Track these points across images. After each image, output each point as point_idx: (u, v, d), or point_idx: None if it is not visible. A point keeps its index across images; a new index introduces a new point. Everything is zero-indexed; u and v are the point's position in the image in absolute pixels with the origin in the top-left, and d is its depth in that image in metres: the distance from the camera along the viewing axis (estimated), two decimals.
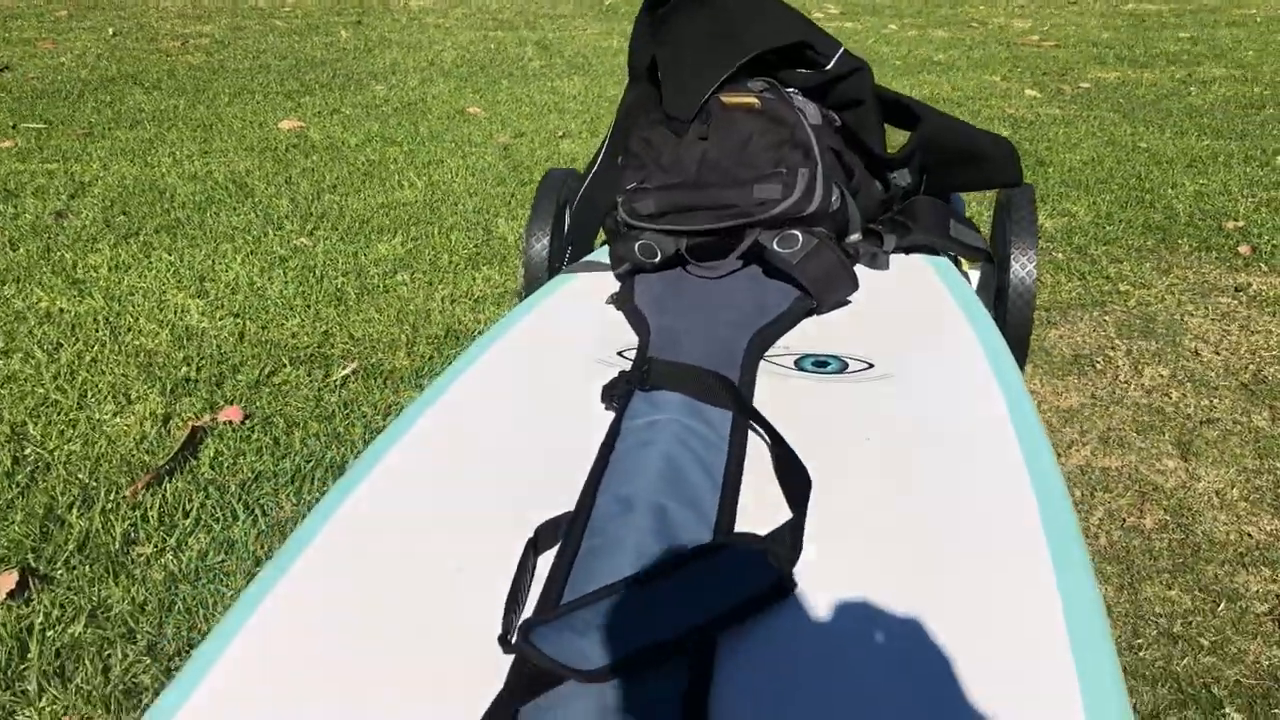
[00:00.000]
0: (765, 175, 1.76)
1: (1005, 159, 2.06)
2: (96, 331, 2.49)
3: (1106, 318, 2.75)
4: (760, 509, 1.15)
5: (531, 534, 1.03)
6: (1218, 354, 2.53)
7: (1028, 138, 4.43)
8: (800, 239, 1.75)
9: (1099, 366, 2.49)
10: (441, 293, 2.76)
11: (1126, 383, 2.40)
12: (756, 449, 1.27)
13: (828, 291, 1.69)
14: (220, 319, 2.58)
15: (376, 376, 2.32)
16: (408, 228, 3.23)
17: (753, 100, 1.82)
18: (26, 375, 2.28)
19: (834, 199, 1.79)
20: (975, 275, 2.09)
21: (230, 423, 2.09)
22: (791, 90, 1.94)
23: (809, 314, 1.68)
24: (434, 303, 2.71)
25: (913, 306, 1.72)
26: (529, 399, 1.35)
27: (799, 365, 1.59)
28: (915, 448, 1.27)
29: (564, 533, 1.09)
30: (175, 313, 2.61)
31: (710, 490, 1.25)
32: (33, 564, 1.67)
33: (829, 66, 1.87)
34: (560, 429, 1.28)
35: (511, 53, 6.42)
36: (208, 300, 2.69)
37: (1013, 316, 2.11)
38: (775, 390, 1.46)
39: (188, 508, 1.81)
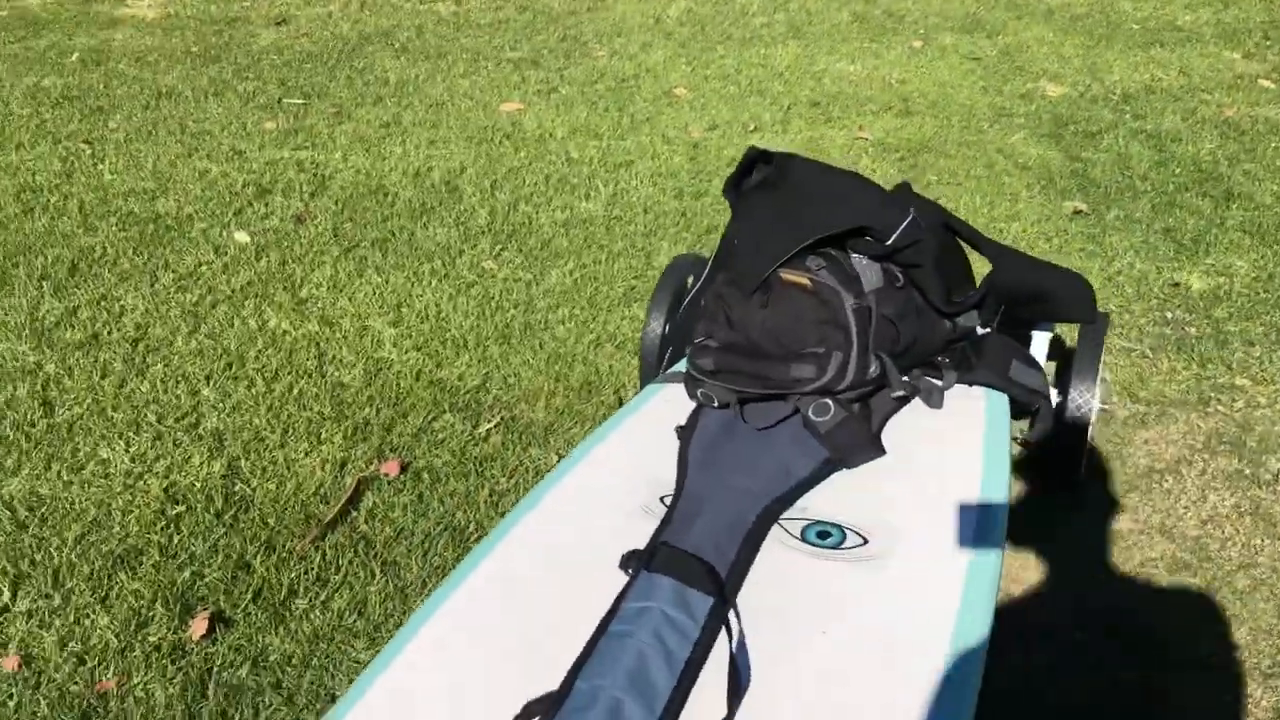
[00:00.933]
0: (803, 355, 2.06)
1: (1078, 298, 2.28)
2: (307, 360, 3.07)
3: (1203, 422, 2.87)
4: (719, 695, 1.50)
5: (520, 709, 1.49)
6: None
7: (1228, 155, 4.34)
8: (832, 409, 2.06)
9: (1166, 486, 2.66)
10: (590, 335, 3.18)
11: (1186, 509, 2.57)
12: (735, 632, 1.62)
13: (851, 456, 2.01)
14: (406, 352, 3.10)
15: (514, 431, 2.79)
16: (580, 252, 3.66)
17: (805, 280, 2.11)
18: (247, 405, 2.88)
19: (872, 370, 2.05)
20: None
21: (388, 476, 2.62)
22: (858, 256, 2.19)
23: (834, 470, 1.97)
24: (581, 346, 3.14)
25: (937, 460, 2.02)
26: (574, 552, 1.78)
27: (804, 535, 1.92)
28: (860, 647, 1.61)
29: (545, 712, 1.53)
30: (372, 342, 3.16)
31: (667, 682, 1.66)
32: (221, 607, 2.25)
33: (889, 242, 2.12)
34: (582, 595, 1.71)
35: (737, 6, 6.59)
36: (400, 329, 3.22)
37: (1061, 452, 2.33)
38: (773, 564, 1.81)
39: (340, 563, 2.35)
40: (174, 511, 2.47)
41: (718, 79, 5.27)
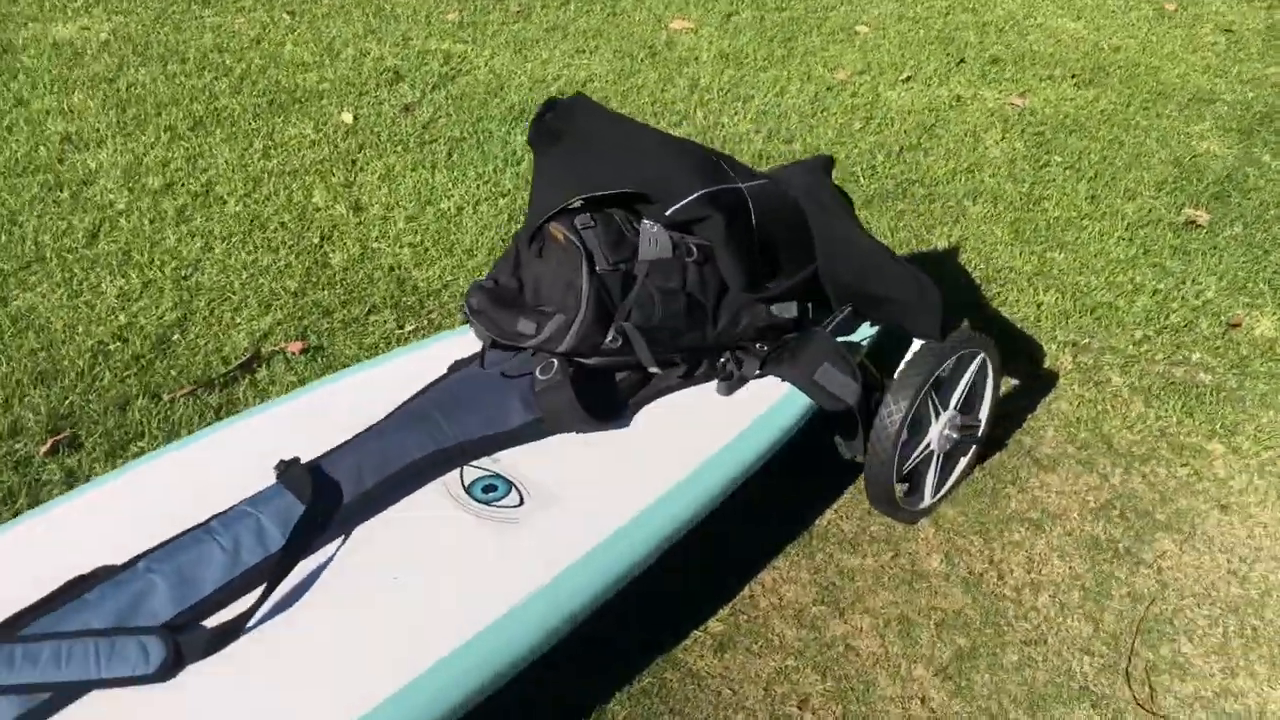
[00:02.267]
0: (532, 311, 2.11)
1: (921, 308, 2.17)
2: (314, 238, 3.37)
3: (1123, 481, 2.57)
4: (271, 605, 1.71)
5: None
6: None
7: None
8: (553, 371, 2.11)
9: (1014, 537, 2.43)
10: None
11: (1013, 568, 2.36)
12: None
13: (556, 422, 2.06)
14: (401, 247, 3.33)
15: (431, 333, 2.95)
16: None
17: (561, 237, 2.14)
18: (237, 268, 3.22)
19: (610, 340, 2.07)
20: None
21: (289, 354, 2.88)
22: (649, 222, 2.18)
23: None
24: None
25: (670, 447, 2.05)
26: (270, 457, 1.95)
27: (471, 484, 2.02)
28: (402, 605, 1.74)
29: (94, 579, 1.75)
30: (378, 233, 3.41)
31: (215, 581, 1.85)
32: (79, 434, 2.62)
33: (667, 213, 2.10)
34: (230, 497, 1.89)
35: None
36: (410, 225, 3.44)
37: (869, 469, 2.22)
38: (412, 504, 1.93)
39: (194, 421, 2.65)
40: (112, 346, 2.85)
41: (913, 20, 4.97)
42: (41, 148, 3.76)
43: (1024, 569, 2.30)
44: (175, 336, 2.91)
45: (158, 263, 3.19)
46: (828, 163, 2.50)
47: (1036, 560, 2.32)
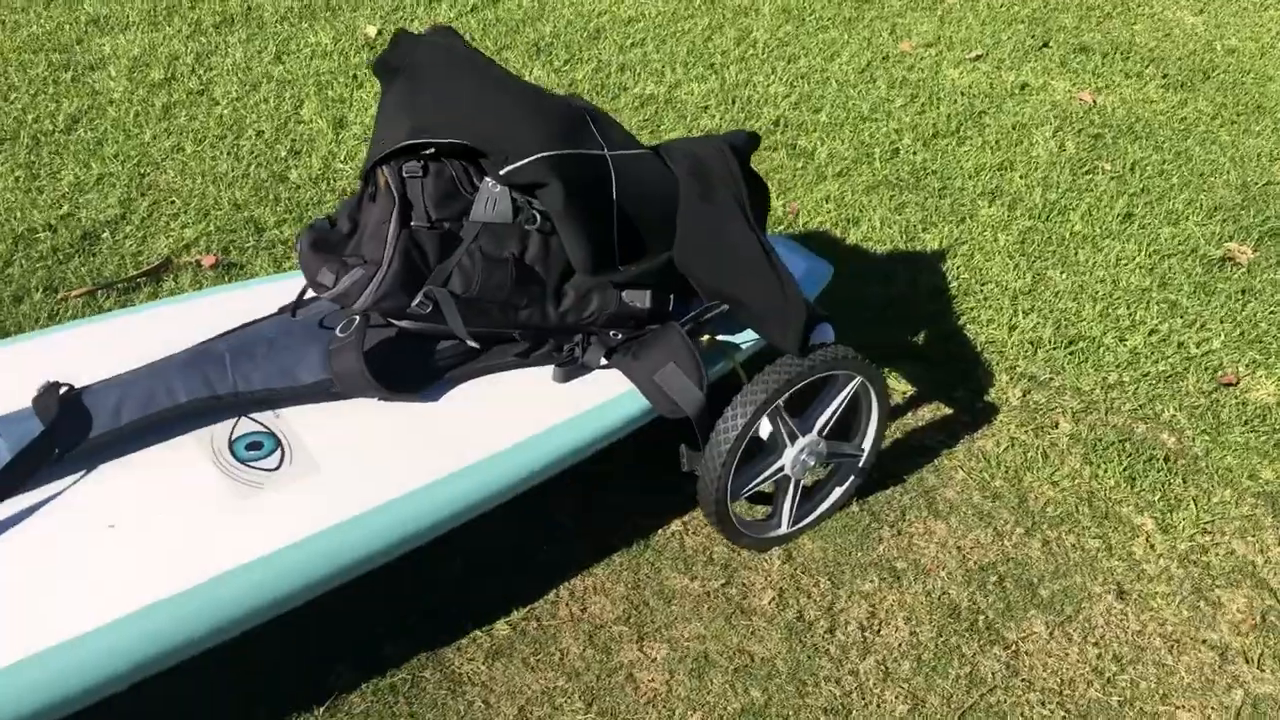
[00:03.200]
0: (339, 261, 1.98)
1: (776, 320, 1.96)
2: (282, 151, 3.29)
3: (1012, 544, 2.29)
4: None
5: None
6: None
7: None
8: (351, 329, 1.97)
9: (865, 588, 2.19)
10: None
11: (848, 622, 2.12)
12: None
13: (345, 386, 1.94)
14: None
15: None
16: None
17: (384, 183, 1.99)
18: (199, 172, 3.17)
19: (417, 304, 1.93)
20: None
21: (200, 266, 2.82)
22: (491, 181, 2.02)
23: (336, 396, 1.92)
24: None
25: (472, 429, 1.92)
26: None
27: (237, 438, 1.93)
28: (110, 553, 1.66)
29: None
30: (347, 153, 3.30)
31: None
32: None
33: (501, 173, 1.94)
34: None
35: None
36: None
37: (700, 486, 2.05)
38: (166, 448, 1.84)
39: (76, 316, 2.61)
40: (40, 235, 2.84)
41: None
42: (67, 26, 3.77)
43: (861, 625, 2.05)
44: (105, 235, 2.87)
45: (122, 156, 3.16)
46: (747, 142, 2.24)
47: (880, 617, 2.07)
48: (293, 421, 1.93)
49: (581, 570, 2.12)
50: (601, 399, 2.04)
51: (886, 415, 2.19)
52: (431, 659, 1.96)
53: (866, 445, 2.22)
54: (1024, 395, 2.58)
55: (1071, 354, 2.70)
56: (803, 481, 2.17)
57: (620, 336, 2.07)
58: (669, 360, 2.03)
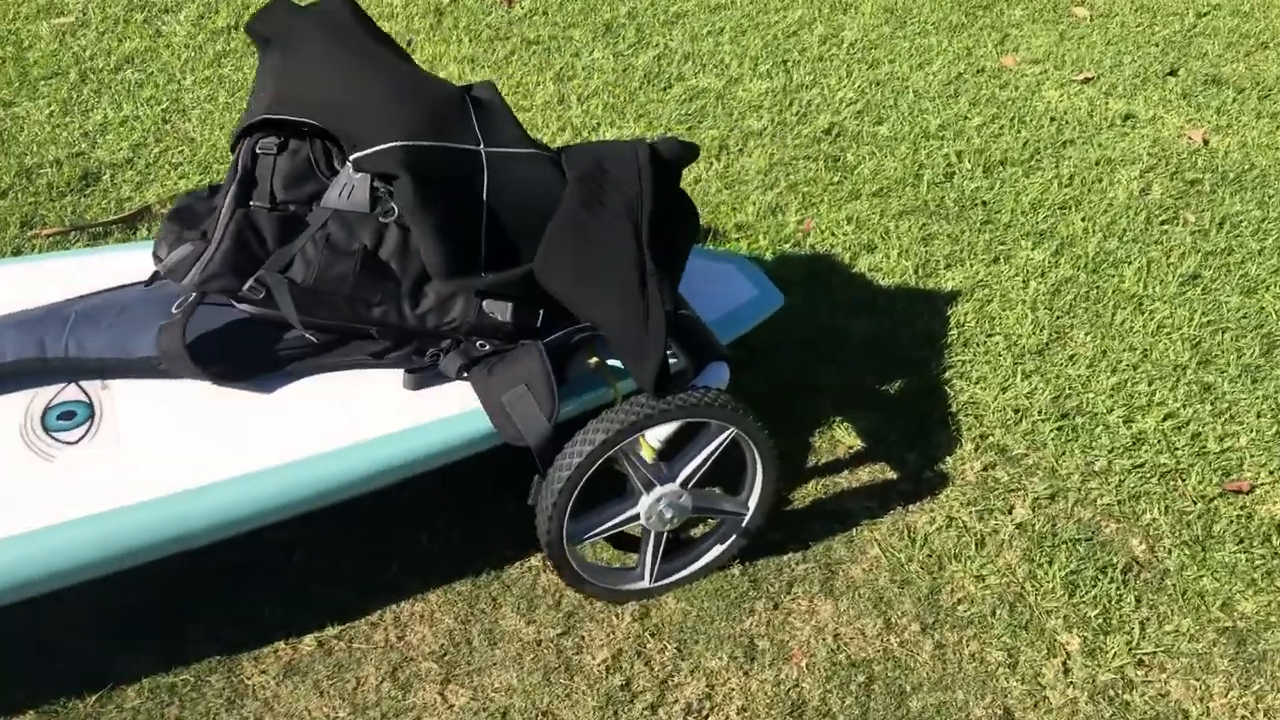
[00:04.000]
0: (178, 234, 1.93)
1: (631, 355, 1.80)
2: None
3: (919, 654, 2.04)
4: None
5: None
6: None
7: None
8: (176, 304, 1.92)
9: (727, 658, 1.98)
10: None
11: (687, 694, 1.93)
12: None
13: (170, 365, 1.89)
14: None
15: None
16: (624, 120, 3.30)
17: (242, 152, 1.92)
18: (216, 119, 3.18)
19: (248, 288, 1.86)
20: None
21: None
22: (353, 167, 1.93)
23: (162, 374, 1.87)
24: None
25: (301, 419, 1.84)
26: None
27: (52, 405, 1.92)
28: None
29: None
30: None
31: None
32: None
33: (352, 159, 1.85)
34: None
35: None
36: None
37: (539, 508, 1.91)
38: None
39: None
40: (44, 170, 2.91)
41: (1156, 12, 4.08)
42: None
43: (689, 706, 1.84)
44: (105, 176, 2.90)
45: (155, 100, 3.19)
46: (679, 152, 2.03)
47: (714, 701, 1.86)
48: (118, 395, 1.86)
49: (417, 594, 1.98)
50: (445, 414, 1.90)
51: (774, 475, 1.95)
52: (225, 664, 1.87)
53: (751, 505, 1.99)
54: (985, 470, 2.27)
55: (1061, 429, 2.37)
56: (674, 533, 1.96)
57: (487, 348, 1.91)
58: (522, 382, 1.86)
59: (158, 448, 1.77)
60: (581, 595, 1.98)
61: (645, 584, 2.02)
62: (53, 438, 1.79)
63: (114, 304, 1.96)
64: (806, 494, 2.20)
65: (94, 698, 1.81)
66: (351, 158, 1.84)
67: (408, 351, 1.96)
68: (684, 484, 1.91)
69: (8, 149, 2.95)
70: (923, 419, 2.37)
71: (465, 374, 1.91)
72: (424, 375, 1.93)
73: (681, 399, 1.80)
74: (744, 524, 2.03)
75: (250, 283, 1.83)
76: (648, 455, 1.93)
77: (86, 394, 1.86)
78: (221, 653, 1.88)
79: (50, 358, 1.85)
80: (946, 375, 2.48)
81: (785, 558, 2.09)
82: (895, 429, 2.35)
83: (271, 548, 2.02)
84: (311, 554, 2.04)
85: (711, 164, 3.10)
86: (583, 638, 1.94)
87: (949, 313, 2.64)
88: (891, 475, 2.25)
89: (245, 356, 1.90)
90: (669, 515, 1.91)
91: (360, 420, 1.86)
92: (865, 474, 2.26)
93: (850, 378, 2.46)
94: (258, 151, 1.88)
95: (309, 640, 1.91)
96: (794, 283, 2.72)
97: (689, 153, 2.08)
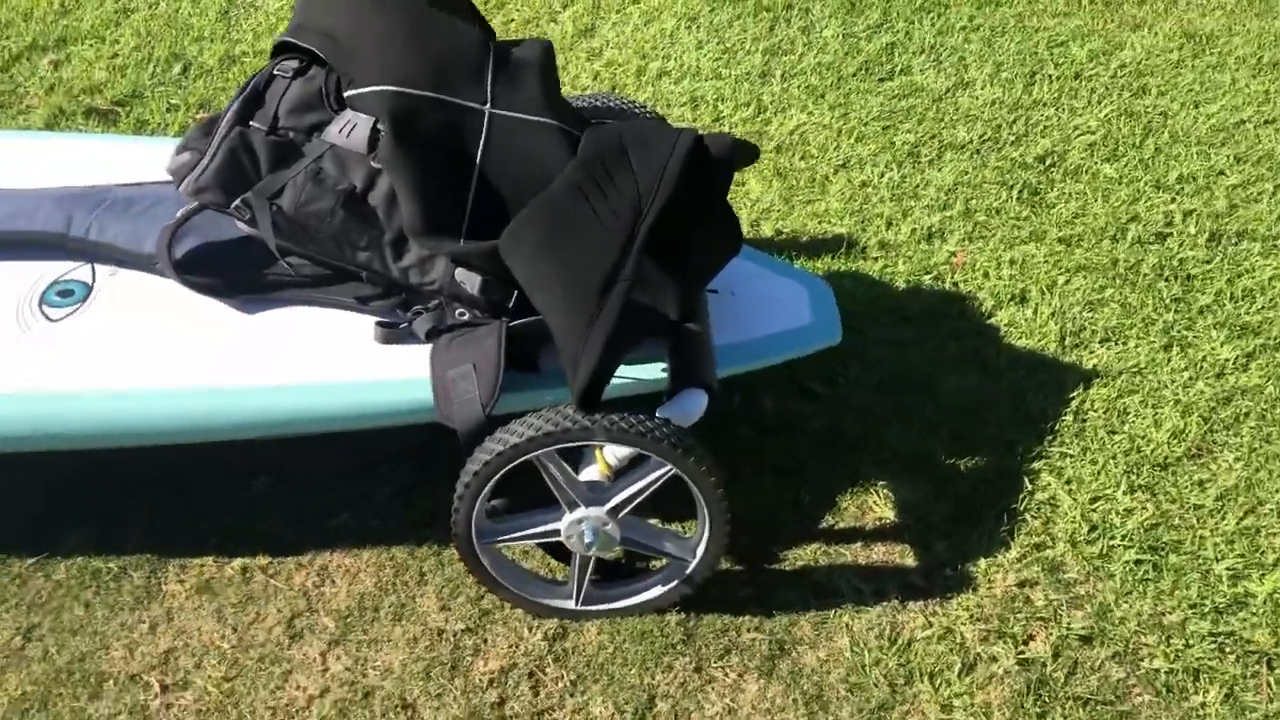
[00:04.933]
0: (195, 140, 2.00)
1: (571, 360, 1.72)
2: None
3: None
4: None
5: None
6: None
7: None
8: (186, 209, 2.01)
9: None
10: None
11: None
12: None
13: (159, 263, 1.98)
14: None
15: None
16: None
17: (261, 72, 1.97)
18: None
19: (235, 206, 1.92)
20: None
21: None
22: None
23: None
24: None
25: (266, 347, 1.85)
26: None
27: (59, 280, 2.09)
28: None
29: None
30: None
31: None
32: None
33: (345, 95, 1.86)
34: None
35: None
36: None
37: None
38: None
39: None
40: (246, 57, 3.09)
41: None
42: None
43: None
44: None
45: None
46: (731, 150, 1.85)
47: None
48: (120, 286, 1.93)
49: (354, 548, 1.96)
50: (401, 375, 1.82)
51: (721, 529, 1.74)
52: (151, 565, 1.94)
53: (696, 553, 1.79)
54: (1021, 585, 1.93)
55: (1140, 564, 1.97)
56: (607, 559, 1.82)
57: (466, 317, 1.82)
58: (471, 362, 1.76)
59: (120, 343, 1.82)
60: (498, 599, 1.85)
61: (571, 605, 1.86)
62: (41, 310, 1.87)
63: (147, 197, 2.01)
64: (800, 556, 1.96)
65: (31, 560, 1.90)
66: (345, 94, 1.77)
67: (393, 303, 1.89)
68: (612, 512, 1.73)
69: (228, 33, 3.11)
70: (977, 507, 2.04)
71: (432, 339, 1.82)
72: (395, 331, 1.85)
73: (611, 420, 1.63)
74: (687, 572, 1.83)
75: (237, 202, 1.82)
76: (601, 471, 1.77)
77: (94, 277, 1.92)
78: (153, 553, 1.92)
79: (71, 235, 1.93)
80: (1034, 465, 2.11)
81: (740, 619, 1.86)
82: (939, 510, 2.03)
83: (239, 468, 2.05)
84: (276, 483, 2.04)
85: (886, 172, 2.80)
86: (485, 641, 1.82)
87: (1075, 394, 2.25)
88: (906, 561, 1.96)
89: (236, 274, 1.90)
90: (589, 540, 1.75)
91: (320, 362, 1.82)
92: (878, 552, 1.98)
93: (919, 440, 2.16)
94: (274, 73, 1.86)
95: (235, 565, 1.92)
96: (909, 318, 2.42)
97: (742, 154, 1.87)
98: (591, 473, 1.81)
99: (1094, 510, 2.05)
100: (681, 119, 2.99)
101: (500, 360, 1.72)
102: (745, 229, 2.64)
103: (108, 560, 1.91)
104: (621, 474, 1.74)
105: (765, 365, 2.00)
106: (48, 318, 1.86)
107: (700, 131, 1.76)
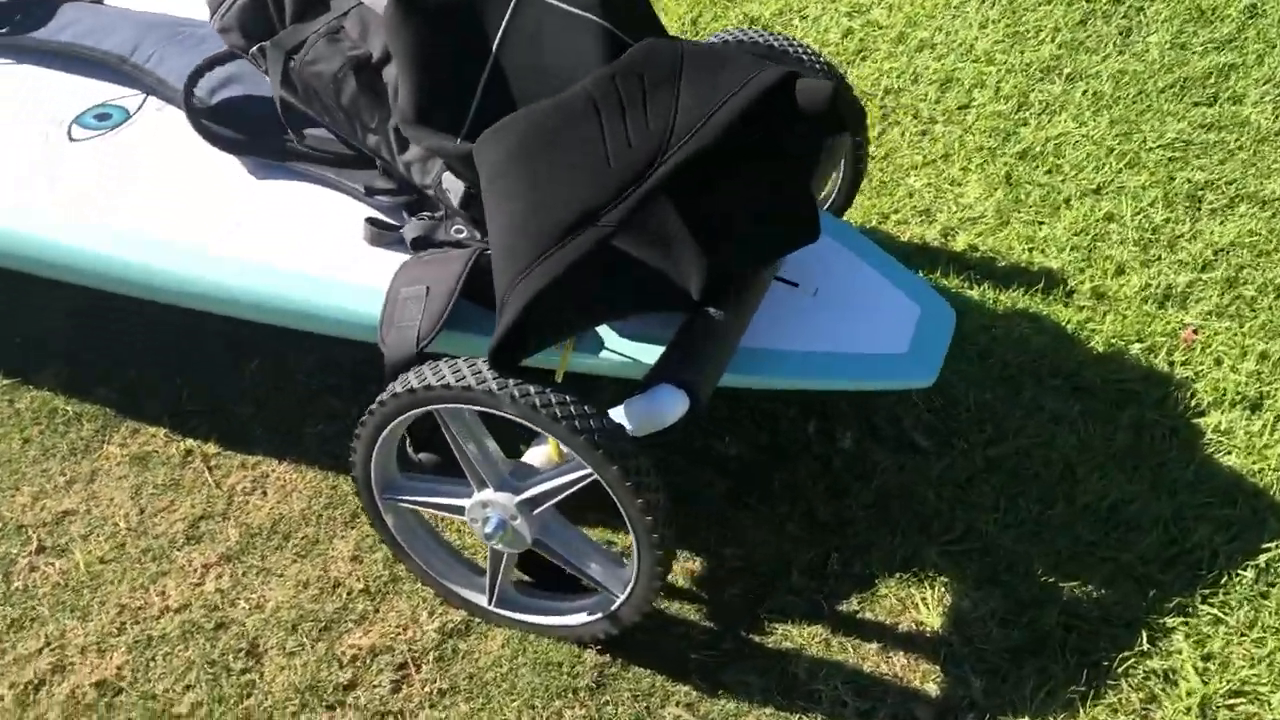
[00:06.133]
0: None
1: (499, 305, 1.48)
2: None
3: None
4: None
5: None
6: None
7: None
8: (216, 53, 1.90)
9: None
10: None
11: None
12: None
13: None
14: None
15: None
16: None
17: None
18: None
19: (252, 53, 1.79)
20: None
21: None
22: None
23: None
24: None
25: (270, 219, 1.71)
26: None
27: (106, 104, 2.07)
28: None
29: None
30: None
31: None
32: None
33: None
34: None
35: None
36: None
37: None
38: (59, 75, 1.89)
39: None
40: None
41: None
42: None
43: None
44: None
45: None
46: (827, 107, 1.44)
47: None
48: (159, 122, 1.83)
49: (302, 465, 1.74)
50: (366, 282, 1.58)
51: (651, 567, 1.36)
52: (104, 422, 1.86)
53: (624, 587, 1.42)
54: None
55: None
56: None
57: (463, 235, 1.55)
58: (426, 284, 1.48)
59: (117, 180, 1.72)
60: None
61: (483, 602, 1.53)
62: (69, 129, 1.78)
63: (215, 36, 1.86)
64: (788, 634, 1.53)
65: (6, 383, 1.81)
66: None
67: (401, 203, 1.64)
68: (527, 505, 1.38)
69: None
70: (1056, 650, 1.51)
71: (416, 250, 1.55)
72: (385, 233, 1.59)
73: (525, 389, 1.28)
74: (612, 608, 1.44)
75: (254, 49, 1.62)
76: (551, 455, 1.43)
77: (140, 108, 1.81)
78: (114, 409, 1.79)
79: (130, 60, 1.82)
80: (1167, 620, 1.54)
81: (672, 687, 1.46)
82: (1000, 639, 1.52)
83: (237, 347, 1.88)
84: (264, 373, 1.84)
85: (1147, 210, 2.20)
86: (376, 611, 1.54)
87: (1272, 551, 1.62)
88: (925, 688, 1.46)
89: (261, 135, 1.71)
90: (491, 530, 1.41)
91: (299, 249, 1.61)
92: (893, 664, 1.50)
93: (1016, 541, 1.64)
94: None
95: (182, 446, 1.75)
96: (1084, 390, 1.86)
97: (845, 114, 1.44)
98: (538, 455, 1.45)
99: (1228, 707, 1.44)
100: (922, 96, 2.51)
101: (456, 289, 1.41)
102: (936, 237, 2.15)
103: (69, 403, 1.79)
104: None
105: (820, 388, 1.55)
106: (70, 137, 1.76)
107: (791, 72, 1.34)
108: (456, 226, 1.55)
